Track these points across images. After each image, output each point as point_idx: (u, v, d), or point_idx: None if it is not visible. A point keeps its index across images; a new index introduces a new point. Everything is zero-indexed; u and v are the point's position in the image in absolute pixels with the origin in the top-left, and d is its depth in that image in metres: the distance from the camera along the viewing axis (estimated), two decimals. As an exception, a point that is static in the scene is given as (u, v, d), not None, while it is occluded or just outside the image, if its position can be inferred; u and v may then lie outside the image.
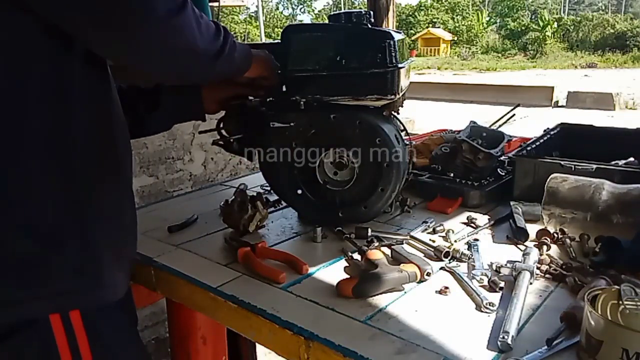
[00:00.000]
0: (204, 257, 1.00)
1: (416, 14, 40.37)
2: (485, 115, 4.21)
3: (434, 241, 1.00)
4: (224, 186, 1.52)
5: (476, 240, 1.01)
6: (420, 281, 0.86)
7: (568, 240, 0.97)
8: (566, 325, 0.69)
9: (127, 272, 0.85)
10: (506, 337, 0.67)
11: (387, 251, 0.97)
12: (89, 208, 0.75)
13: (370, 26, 1.04)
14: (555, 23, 29.62)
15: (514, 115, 1.63)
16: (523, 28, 30.54)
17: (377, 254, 0.91)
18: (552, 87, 11.86)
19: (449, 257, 0.94)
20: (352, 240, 1.03)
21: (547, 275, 0.86)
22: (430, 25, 36.54)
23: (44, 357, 0.74)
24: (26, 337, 0.72)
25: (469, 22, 35.34)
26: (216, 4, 2.59)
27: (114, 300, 0.79)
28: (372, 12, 1.07)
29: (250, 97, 1.13)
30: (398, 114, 1.16)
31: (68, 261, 0.73)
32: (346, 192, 1.08)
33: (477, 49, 30.80)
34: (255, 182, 1.47)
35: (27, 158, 0.70)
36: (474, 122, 1.41)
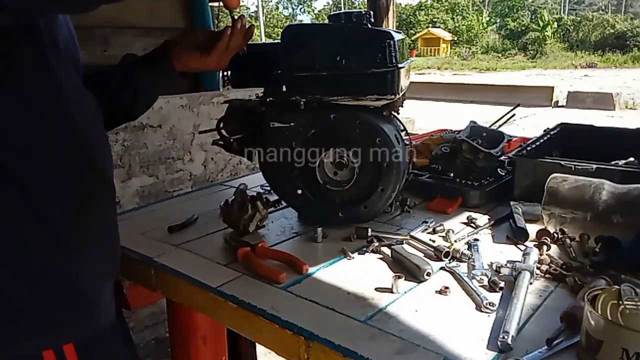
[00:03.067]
0: (204, 257, 1.00)
1: (416, 14, 40.36)
2: (485, 115, 4.21)
3: (434, 241, 1.00)
4: (224, 186, 1.52)
5: (476, 240, 1.01)
6: (420, 281, 0.86)
7: (568, 240, 0.97)
8: (566, 325, 0.69)
9: (112, 291, 0.84)
10: (506, 337, 0.67)
11: (387, 251, 0.97)
12: (70, 237, 0.73)
13: (370, 26, 1.04)
14: (555, 23, 29.62)
15: (514, 115, 1.63)
16: (523, 28, 30.52)
17: None
18: (552, 87, 11.88)
19: (449, 257, 0.94)
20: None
21: (547, 275, 0.86)
22: (430, 25, 36.53)
23: None
24: None
25: (469, 22, 35.33)
26: (216, 4, 2.59)
27: (106, 326, 0.78)
28: (372, 12, 1.07)
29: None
30: (398, 114, 1.16)
31: (56, 295, 0.72)
32: (346, 192, 1.08)
33: (477, 49, 30.79)
34: (255, 182, 1.47)
35: None
36: (474, 122, 1.41)
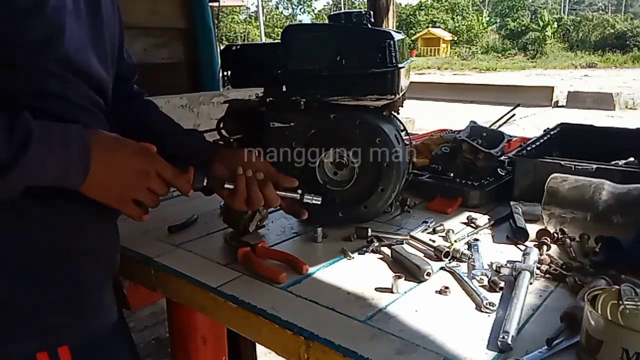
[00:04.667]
0: (204, 257, 1.00)
1: (416, 14, 40.38)
2: (485, 115, 4.21)
3: (434, 241, 1.00)
4: (224, 186, 1.51)
5: (476, 240, 1.01)
6: (420, 281, 0.86)
7: (568, 240, 0.97)
8: (566, 325, 0.69)
9: (112, 292, 0.83)
10: (506, 337, 0.67)
11: (387, 251, 0.97)
12: (70, 243, 0.73)
13: (370, 26, 1.04)
14: (555, 23, 29.64)
15: (514, 115, 1.64)
16: (523, 28, 30.53)
17: None
18: (552, 87, 11.88)
19: (449, 257, 0.94)
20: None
21: (547, 275, 0.86)
22: (430, 25, 36.54)
23: None
24: None
25: (469, 22, 35.35)
26: (216, 4, 2.59)
27: (105, 330, 0.78)
28: (372, 12, 1.07)
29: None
30: (398, 114, 1.16)
31: (52, 298, 0.71)
32: (346, 192, 1.08)
33: (477, 49, 30.80)
34: (255, 182, 1.46)
35: None
36: (474, 122, 1.41)
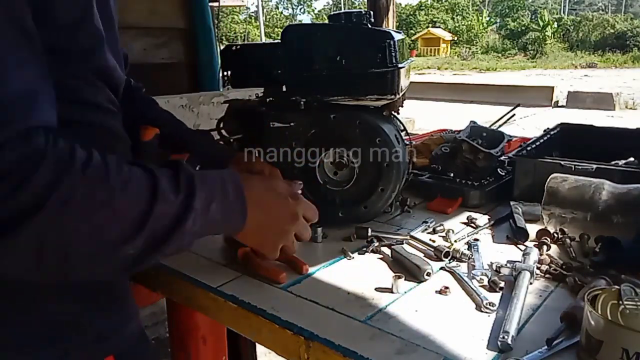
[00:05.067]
0: (204, 257, 1.00)
1: (416, 14, 40.38)
2: (485, 115, 4.21)
3: (434, 241, 1.00)
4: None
5: (476, 240, 1.01)
6: (420, 281, 0.86)
7: (568, 240, 0.97)
8: (566, 325, 0.69)
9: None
10: (506, 337, 0.67)
11: (387, 251, 0.97)
12: None
13: (370, 26, 1.04)
14: (555, 23, 29.65)
15: (514, 115, 1.64)
16: (523, 28, 30.54)
17: None
18: (552, 87, 11.88)
19: (449, 257, 0.94)
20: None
21: (547, 275, 0.86)
22: (430, 25, 36.55)
23: None
24: None
25: (469, 22, 35.36)
26: (216, 4, 2.59)
27: (137, 333, 0.77)
28: (372, 12, 1.07)
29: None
30: (398, 114, 1.16)
31: (102, 304, 0.70)
32: (346, 192, 1.08)
33: (477, 49, 30.81)
34: (255, 182, 1.46)
35: None
36: (474, 122, 1.41)
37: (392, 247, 0.97)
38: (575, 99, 11.19)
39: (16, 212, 0.45)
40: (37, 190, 0.45)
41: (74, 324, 0.67)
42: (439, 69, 23.29)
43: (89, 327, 0.68)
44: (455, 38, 33.62)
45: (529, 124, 7.50)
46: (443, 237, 1.03)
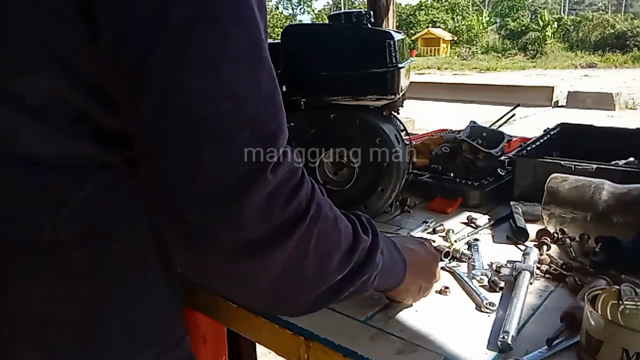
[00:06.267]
0: (204, 257, 0.99)
1: (416, 14, 40.37)
2: (485, 115, 4.21)
3: (434, 241, 1.00)
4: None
5: (476, 240, 1.01)
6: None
7: (568, 240, 0.97)
8: (566, 325, 0.69)
9: None
10: (506, 337, 0.67)
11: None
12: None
13: (370, 26, 1.04)
14: (555, 23, 29.62)
15: (514, 115, 1.64)
16: (523, 28, 30.53)
17: None
18: (552, 87, 11.87)
19: (449, 257, 0.94)
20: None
21: (547, 275, 0.86)
22: (430, 25, 36.54)
23: None
24: None
25: (469, 22, 35.33)
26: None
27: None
28: (372, 12, 1.07)
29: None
30: (398, 114, 1.16)
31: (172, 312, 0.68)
32: (346, 192, 1.08)
33: (477, 49, 30.78)
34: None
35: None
36: (474, 122, 1.41)
37: (392, 247, 0.97)
38: (575, 99, 11.18)
39: (291, 218, 0.49)
40: (303, 201, 0.50)
41: (165, 329, 0.66)
42: (439, 69, 23.28)
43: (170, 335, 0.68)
44: (455, 38, 33.60)
45: (529, 124, 7.50)
46: (443, 237, 1.03)
